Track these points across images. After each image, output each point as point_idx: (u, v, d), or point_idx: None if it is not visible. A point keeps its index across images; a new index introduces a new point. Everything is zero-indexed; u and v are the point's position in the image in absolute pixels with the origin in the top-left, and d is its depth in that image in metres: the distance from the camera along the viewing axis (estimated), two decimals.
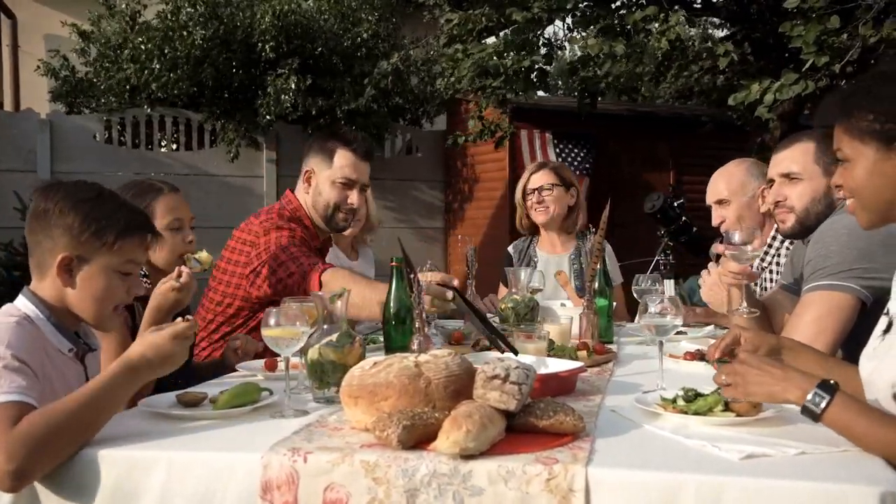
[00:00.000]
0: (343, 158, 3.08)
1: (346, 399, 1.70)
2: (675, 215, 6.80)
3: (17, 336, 1.78)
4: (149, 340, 1.75)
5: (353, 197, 3.11)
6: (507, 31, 7.17)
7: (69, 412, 1.59)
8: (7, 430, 1.56)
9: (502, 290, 3.90)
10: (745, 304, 2.55)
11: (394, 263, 2.26)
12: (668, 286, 3.22)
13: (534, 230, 3.93)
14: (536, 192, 3.83)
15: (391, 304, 2.23)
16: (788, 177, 2.55)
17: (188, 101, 9.85)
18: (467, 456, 1.46)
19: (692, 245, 6.96)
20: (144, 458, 1.55)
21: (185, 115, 9.93)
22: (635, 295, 2.98)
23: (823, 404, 1.53)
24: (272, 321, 1.86)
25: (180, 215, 2.55)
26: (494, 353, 2.22)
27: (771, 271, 3.19)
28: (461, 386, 1.68)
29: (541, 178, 3.82)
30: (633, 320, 3.98)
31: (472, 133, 8.36)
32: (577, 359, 2.33)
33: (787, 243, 3.07)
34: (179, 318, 1.82)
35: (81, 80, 10.00)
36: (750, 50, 8.13)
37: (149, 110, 9.71)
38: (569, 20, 6.88)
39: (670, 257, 7.15)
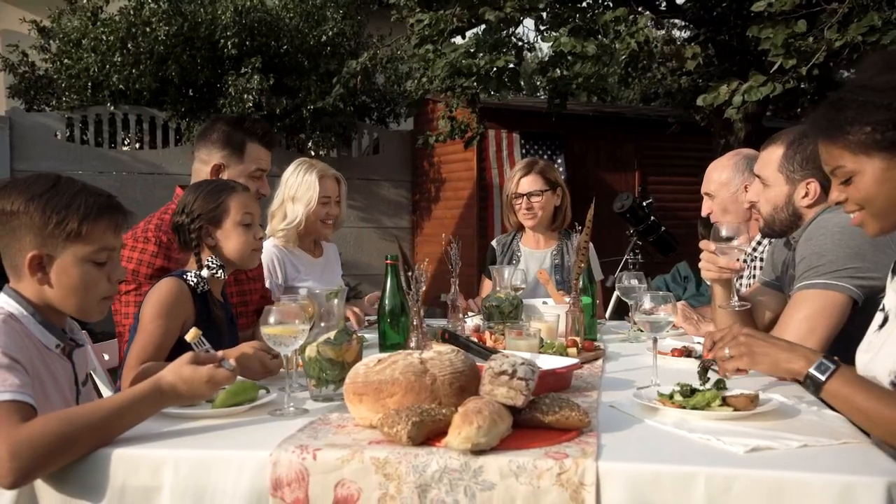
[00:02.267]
0: (255, 151, 3.12)
1: (350, 396, 1.70)
2: (643, 215, 6.91)
3: (5, 334, 1.74)
4: (185, 375, 1.72)
5: (264, 187, 3.18)
6: (478, 30, 7.19)
7: (88, 423, 1.57)
8: (11, 428, 1.54)
9: (486, 286, 3.92)
10: (735, 297, 2.58)
11: (389, 261, 2.25)
12: None
13: (520, 226, 3.95)
14: (525, 197, 3.81)
15: (386, 302, 2.23)
16: (760, 179, 2.58)
17: (151, 99, 9.74)
18: (478, 451, 1.47)
19: (660, 244, 7.07)
20: (151, 457, 1.54)
21: (148, 114, 9.82)
22: (619, 293, 3.01)
23: (827, 374, 1.58)
24: (272, 319, 1.85)
25: (251, 211, 2.54)
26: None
27: (754, 267, 3.24)
28: (466, 382, 1.69)
29: (529, 184, 3.80)
30: (605, 318, 4.04)
31: (443, 133, 8.37)
32: (566, 356, 2.35)
33: (760, 250, 3.13)
34: (194, 329, 1.80)
35: (41, 77, 9.84)
36: (713, 52, 8.25)
37: (112, 108, 9.57)
38: (538, 20, 6.91)
39: (639, 256, 7.24)
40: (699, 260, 2.66)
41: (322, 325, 2.00)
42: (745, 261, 3.22)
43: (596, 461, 1.44)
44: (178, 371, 1.73)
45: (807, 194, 2.43)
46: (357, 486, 1.49)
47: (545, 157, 10.14)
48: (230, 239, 2.50)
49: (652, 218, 7.01)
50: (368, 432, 1.64)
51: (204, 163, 3.14)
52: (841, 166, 1.75)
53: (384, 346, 2.25)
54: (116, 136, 9.82)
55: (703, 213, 3.14)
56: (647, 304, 2.06)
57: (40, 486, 1.55)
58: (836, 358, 1.61)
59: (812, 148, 2.38)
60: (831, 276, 2.20)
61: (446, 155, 10.36)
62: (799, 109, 11.22)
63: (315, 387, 1.96)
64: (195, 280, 2.41)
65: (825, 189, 2.38)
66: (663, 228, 7.05)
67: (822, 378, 1.58)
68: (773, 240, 2.92)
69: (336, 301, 2.00)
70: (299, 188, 3.52)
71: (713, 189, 3.09)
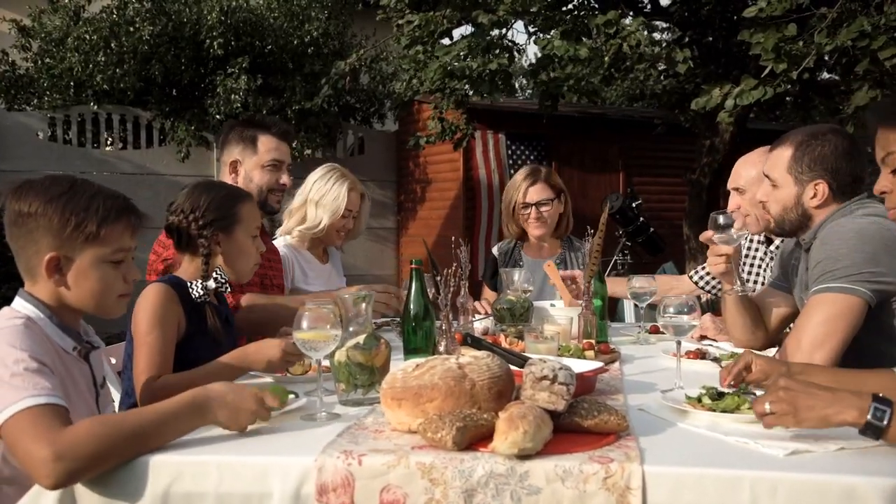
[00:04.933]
0: (267, 143, 3.21)
1: (388, 401, 1.71)
2: (633, 216, 6.97)
3: (29, 337, 1.74)
4: (236, 387, 1.76)
5: (284, 177, 3.24)
6: (466, 31, 7.20)
7: (132, 429, 1.58)
8: (53, 431, 1.54)
9: (486, 291, 3.93)
10: (738, 283, 2.61)
11: (413, 266, 2.26)
12: None
13: (521, 235, 3.92)
14: (534, 207, 3.76)
15: (411, 306, 2.24)
16: (769, 179, 2.58)
17: (135, 99, 9.67)
18: (524, 456, 1.49)
19: (649, 245, 7.14)
20: (194, 463, 1.54)
21: (132, 113, 9.75)
22: (629, 294, 3.04)
23: (886, 419, 1.51)
24: (304, 324, 1.85)
25: (259, 224, 2.56)
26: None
27: (757, 273, 3.27)
28: (503, 387, 1.71)
29: (538, 193, 3.76)
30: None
31: (432, 134, 8.37)
32: (583, 359, 2.36)
33: (773, 245, 3.15)
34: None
35: (22, 76, 9.74)
36: (697, 53, 8.32)
37: (95, 107, 9.49)
38: (530, 22, 6.94)
39: (628, 257, 7.29)
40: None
41: (350, 329, 2.00)
42: (756, 257, 3.26)
43: (641, 465, 1.46)
44: (228, 384, 1.76)
45: (815, 195, 2.44)
46: (403, 492, 1.50)
47: (531, 157, 10.18)
48: (238, 249, 2.46)
49: (641, 219, 7.08)
50: (408, 437, 1.65)
51: (224, 164, 3.21)
52: (893, 152, 1.75)
53: (408, 350, 2.26)
54: (100, 136, 9.74)
55: (731, 209, 3.16)
56: (671, 306, 2.08)
57: (81, 492, 1.54)
58: (882, 396, 1.55)
59: (820, 149, 2.42)
60: (848, 279, 2.22)
61: (432, 156, 10.37)
62: (778, 112, 11.38)
63: (344, 391, 1.96)
64: (200, 292, 2.35)
65: (833, 190, 2.42)
66: (652, 229, 7.12)
67: (883, 425, 1.52)
68: (783, 241, 2.94)
69: (364, 305, 2.00)
70: (326, 195, 3.50)
71: (743, 184, 3.10)
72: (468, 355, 1.76)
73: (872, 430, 1.52)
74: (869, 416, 1.52)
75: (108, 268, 1.87)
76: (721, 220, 2.54)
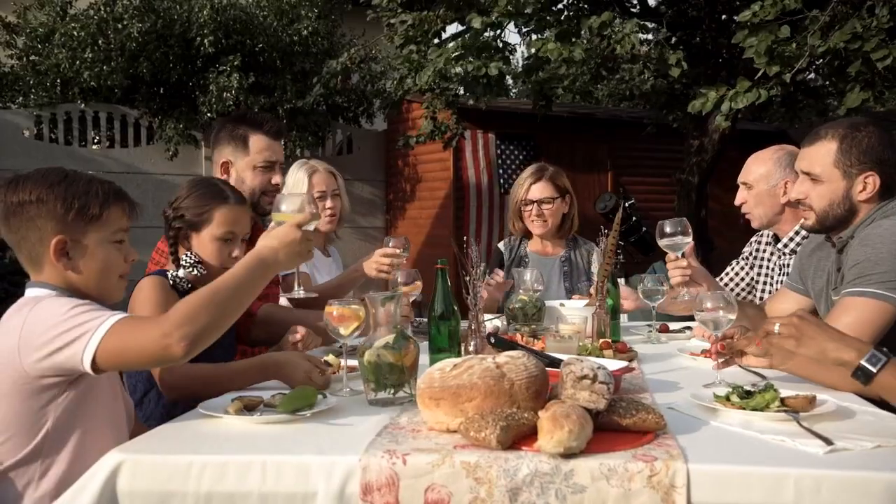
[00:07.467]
0: (259, 142, 3.10)
1: (425, 401, 1.71)
2: (626, 216, 7.01)
3: (68, 300, 1.81)
4: (272, 233, 1.94)
5: (277, 177, 3.15)
6: (462, 30, 7.20)
7: (214, 289, 1.80)
8: (153, 318, 1.76)
9: None
10: (685, 290, 2.63)
11: (438, 265, 2.26)
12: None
13: (526, 232, 3.94)
14: (536, 204, 3.79)
15: (436, 306, 2.25)
16: (810, 175, 2.49)
17: (123, 97, 9.61)
18: (568, 455, 1.50)
19: (641, 244, 7.19)
20: (237, 463, 1.54)
21: (120, 112, 9.68)
22: (640, 294, 3.06)
23: (879, 365, 1.62)
24: (283, 207, 2.02)
25: (235, 229, 2.52)
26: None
27: (768, 275, 3.29)
28: (540, 386, 1.72)
29: (540, 191, 3.79)
30: None
31: (423, 134, 8.38)
32: (603, 358, 2.37)
33: (781, 244, 3.17)
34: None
35: (7, 73, 9.65)
36: (686, 55, 8.38)
37: (82, 105, 9.42)
38: (524, 24, 6.95)
39: (620, 257, 7.33)
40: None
41: (379, 329, 2.00)
42: (764, 258, 3.29)
43: (686, 463, 1.47)
44: (266, 234, 1.94)
45: (864, 188, 2.39)
46: (447, 491, 1.50)
47: (520, 157, 10.21)
48: (204, 250, 2.50)
49: (634, 218, 7.14)
50: (447, 436, 1.65)
51: (216, 164, 3.16)
52: None
53: (433, 350, 2.26)
54: (87, 135, 9.66)
55: (737, 203, 3.18)
56: (708, 303, 2.09)
57: (123, 494, 1.54)
58: (885, 350, 1.63)
59: (868, 140, 2.37)
60: (883, 285, 2.20)
61: (421, 155, 10.36)
62: (762, 113, 11.46)
63: (373, 391, 1.97)
64: (174, 280, 2.43)
65: (884, 183, 2.37)
66: (644, 229, 7.18)
67: (874, 369, 1.61)
68: (800, 244, 2.92)
69: (392, 306, 2.00)
70: (293, 187, 3.56)
71: (752, 180, 3.11)
72: (504, 355, 1.76)
73: (863, 373, 1.63)
74: (863, 360, 1.63)
75: (112, 248, 1.95)
76: (667, 227, 2.54)
